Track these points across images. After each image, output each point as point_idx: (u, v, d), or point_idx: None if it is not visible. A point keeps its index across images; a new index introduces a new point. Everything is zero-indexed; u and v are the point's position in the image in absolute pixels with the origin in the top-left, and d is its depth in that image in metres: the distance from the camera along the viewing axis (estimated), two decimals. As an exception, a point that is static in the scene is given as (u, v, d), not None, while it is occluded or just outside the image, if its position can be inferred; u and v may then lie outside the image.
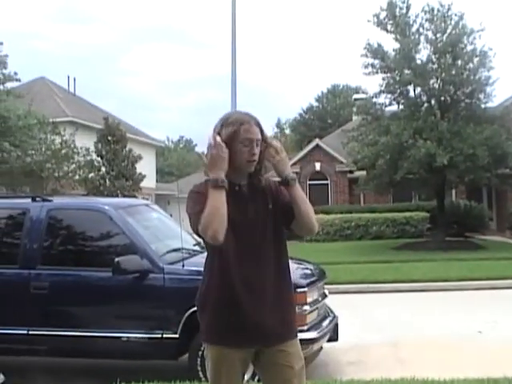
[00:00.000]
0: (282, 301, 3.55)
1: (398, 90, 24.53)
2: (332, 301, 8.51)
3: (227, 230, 3.28)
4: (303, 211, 3.47)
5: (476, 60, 23.49)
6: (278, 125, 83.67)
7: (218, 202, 3.27)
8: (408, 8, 24.09)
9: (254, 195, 3.57)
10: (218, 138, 3.34)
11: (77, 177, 28.07)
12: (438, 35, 23.85)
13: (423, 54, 24.46)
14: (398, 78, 24.02)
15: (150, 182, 37.90)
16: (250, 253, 3.44)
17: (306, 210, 3.48)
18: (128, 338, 6.97)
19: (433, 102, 24.55)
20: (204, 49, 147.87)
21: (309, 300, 6.87)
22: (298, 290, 6.69)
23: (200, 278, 7.24)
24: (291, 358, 3.50)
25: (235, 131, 3.43)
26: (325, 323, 7.45)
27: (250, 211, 3.50)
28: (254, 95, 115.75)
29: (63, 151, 26.82)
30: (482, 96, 24.01)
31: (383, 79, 24.51)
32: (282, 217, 3.53)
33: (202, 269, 7.25)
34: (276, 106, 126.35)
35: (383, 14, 24.23)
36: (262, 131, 3.53)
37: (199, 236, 3.43)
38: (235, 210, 3.41)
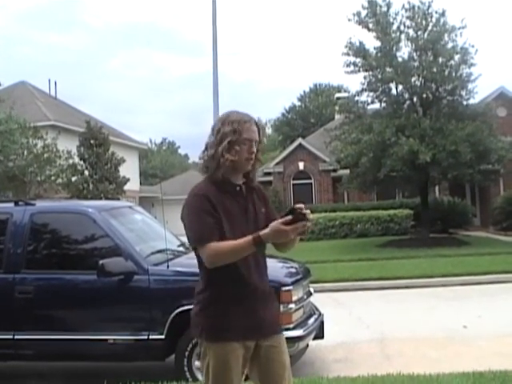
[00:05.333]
0: (271, 296, 3.75)
1: (380, 88, 24.55)
2: (317, 299, 8.53)
3: (233, 230, 3.46)
4: (286, 246, 3.66)
5: (457, 57, 23.53)
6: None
7: (234, 259, 3.42)
8: (388, 6, 24.13)
9: (252, 196, 3.70)
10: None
11: (60, 181, 27.92)
12: (419, 33, 23.88)
13: (404, 51, 24.52)
14: (379, 76, 24.04)
15: (133, 184, 37.81)
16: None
17: (290, 246, 3.67)
18: (114, 340, 6.95)
19: (415, 99, 24.61)
20: (186, 51, 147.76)
21: (294, 298, 6.88)
22: (284, 288, 6.71)
23: (185, 278, 7.23)
24: (283, 353, 3.66)
25: (236, 129, 3.53)
26: (310, 321, 7.46)
27: (249, 211, 3.62)
28: (236, 95, 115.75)
29: (45, 155, 26.67)
30: (463, 93, 24.08)
31: (365, 77, 24.52)
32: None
33: (186, 269, 7.29)
34: (258, 106, 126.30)
35: (364, 13, 24.23)
36: (259, 131, 3.65)
37: (191, 241, 3.61)
38: (238, 210, 3.57)
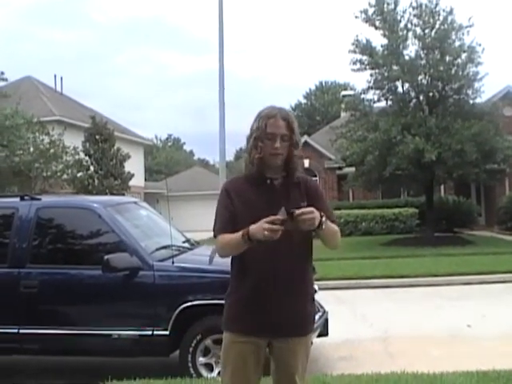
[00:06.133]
0: (299, 297, 3.65)
1: (387, 86, 24.50)
2: (322, 296, 8.52)
3: (253, 220, 3.36)
4: (329, 241, 3.62)
5: (464, 55, 23.46)
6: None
7: (235, 251, 3.52)
8: (396, 4, 24.07)
9: (287, 191, 3.63)
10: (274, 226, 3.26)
11: (65, 176, 27.92)
12: (426, 31, 23.82)
13: (411, 49, 24.46)
14: (386, 74, 23.98)
15: (138, 180, 37.83)
16: (273, 245, 3.36)
17: (332, 240, 3.64)
18: (119, 335, 6.95)
19: (421, 97, 24.56)
20: (191, 48, 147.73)
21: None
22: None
23: (190, 274, 7.29)
24: (296, 357, 3.63)
25: (261, 126, 3.56)
26: (315, 318, 7.45)
27: (277, 204, 3.44)
28: (242, 93, 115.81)
29: (51, 151, 26.67)
30: (470, 91, 24.01)
31: (371, 75, 24.47)
32: None
33: (191, 265, 7.33)
34: (264, 103, 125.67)
35: (371, 10, 24.18)
36: (289, 125, 3.59)
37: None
38: (263, 202, 3.54)
